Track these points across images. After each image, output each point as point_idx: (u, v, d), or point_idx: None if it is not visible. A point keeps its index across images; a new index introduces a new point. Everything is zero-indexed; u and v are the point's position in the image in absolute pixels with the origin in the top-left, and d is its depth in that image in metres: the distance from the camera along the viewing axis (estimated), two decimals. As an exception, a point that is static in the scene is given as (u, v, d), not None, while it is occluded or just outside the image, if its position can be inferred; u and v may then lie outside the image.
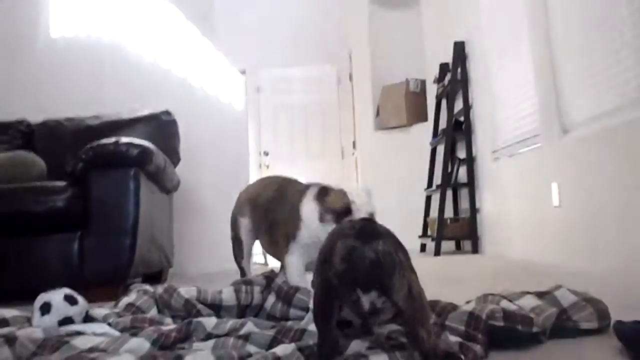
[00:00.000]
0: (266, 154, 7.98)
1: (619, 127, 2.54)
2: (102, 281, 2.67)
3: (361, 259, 1.08)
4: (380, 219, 4.89)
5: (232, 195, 4.61)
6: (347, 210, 1.89)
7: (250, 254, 2.41)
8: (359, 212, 1.88)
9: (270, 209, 2.19)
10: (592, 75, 2.87)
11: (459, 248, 5.37)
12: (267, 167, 7.92)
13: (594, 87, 2.87)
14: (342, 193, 1.94)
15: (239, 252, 2.37)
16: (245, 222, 2.31)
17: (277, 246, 2.17)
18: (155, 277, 3.48)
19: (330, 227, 1.89)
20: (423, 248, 5.55)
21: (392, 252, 1.12)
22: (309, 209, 2.01)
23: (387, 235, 1.16)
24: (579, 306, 1.41)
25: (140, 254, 2.82)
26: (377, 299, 1.10)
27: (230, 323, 1.37)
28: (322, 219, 1.94)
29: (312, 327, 1.26)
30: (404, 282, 1.10)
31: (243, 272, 2.40)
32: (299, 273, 2.05)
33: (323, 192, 1.98)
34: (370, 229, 1.14)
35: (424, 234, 5.59)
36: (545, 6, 3.36)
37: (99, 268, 2.69)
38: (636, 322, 1.23)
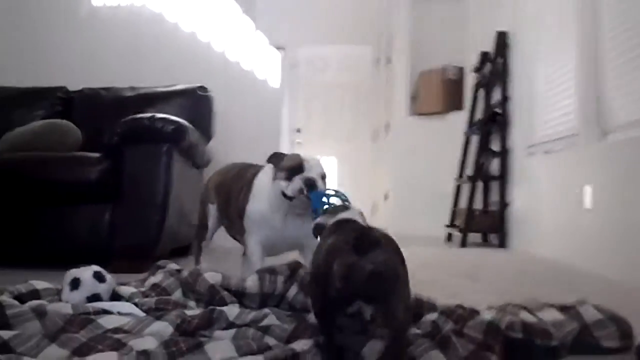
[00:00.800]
0: (299, 131, 8.00)
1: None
2: (130, 254, 2.72)
3: (361, 273, 1.05)
4: (408, 205, 4.94)
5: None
6: (299, 167, 1.96)
7: (210, 239, 2.49)
8: (310, 171, 1.95)
9: (230, 190, 2.25)
10: (638, 78, 2.79)
11: (485, 240, 5.33)
12: (299, 144, 7.94)
13: (639, 91, 2.79)
14: (296, 155, 2.02)
15: (201, 236, 2.47)
16: (212, 208, 2.39)
17: (233, 226, 2.24)
18: (182, 250, 3.54)
19: (281, 184, 1.97)
20: (449, 237, 5.53)
21: (393, 261, 1.09)
22: (263, 175, 2.09)
23: (386, 243, 1.12)
24: (602, 324, 1.39)
25: (169, 228, 2.87)
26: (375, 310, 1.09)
27: (252, 314, 1.39)
28: (274, 178, 2.01)
29: None
30: (405, 294, 1.09)
31: (200, 251, 2.51)
32: (254, 255, 2.10)
33: (278, 155, 2.06)
34: (367, 239, 1.10)
35: (451, 224, 5.56)
36: (594, 2, 3.27)
37: (128, 241, 2.74)
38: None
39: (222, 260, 3.05)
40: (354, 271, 1.05)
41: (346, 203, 1.76)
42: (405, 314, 1.09)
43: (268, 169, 2.12)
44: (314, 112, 8.04)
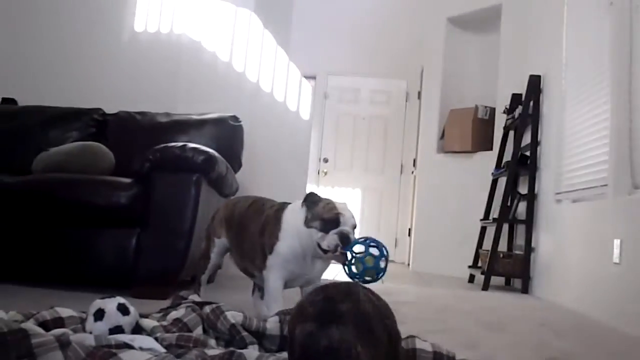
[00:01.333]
0: (325, 160, 8.04)
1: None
2: (154, 280, 2.75)
3: (316, 346, 1.05)
4: (432, 243, 4.93)
5: (288, 200, 4.71)
6: (335, 220, 2.00)
7: (211, 271, 2.52)
8: (345, 224, 2.00)
9: (244, 225, 2.27)
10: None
11: (508, 284, 5.26)
12: (325, 173, 7.98)
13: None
14: (332, 204, 2.05)
15: (203, 268, 2.48)
16: (218, 242, 2.41)
17: (252, 263, 2.24)
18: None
19: (315, 234, 2.01)
20: (471, 279, 5.46)
21: (350, 342, 1.05)
22: (292, 214, 2.11)
23: (349, 320, 1.07)
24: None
25: (193, 255, 2.89)
26: None
27: (271, 359, 1.39)
28: (307, 224, 2.04)
29: None
30: None
31: (199, 285, 2.50)
32: (277, 291, 2.13)
33: (312, 198, 2.08)
34: (329, 311, 1.08)
35: (474, 265, 5.50)
36: (631, 54, 3.25)
37: (152, 266, 2.77)
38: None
39: (226, 287, 3.05)
40: (311, 341, 1.05)
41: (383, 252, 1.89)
42: None
43: (296, 207, 2.14)
44: (342, 143, 8.08)
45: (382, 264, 1.92)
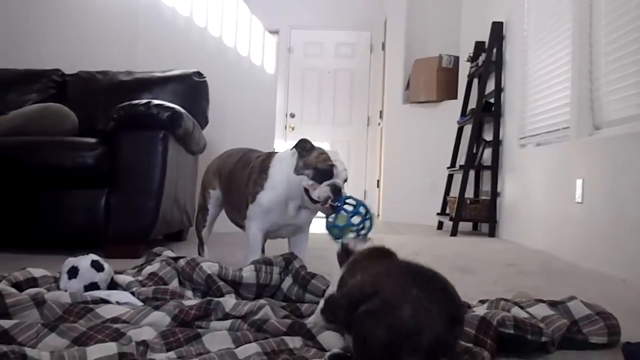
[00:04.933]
0: (292, 116, 8.00)
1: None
2: (125, 239, 2.74)
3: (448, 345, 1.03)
4: (401, 193, 4.96)
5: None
6: (329, 172, 1.97)
7: (212, 225, 2.50)
8: (338, 177, 1.98)
9: (233, 175, 2.26)
10: (632, 75, 2.81)
11: (475, 229, 5.39)
12: (292, 129, 7.95)
13: (632, 88, 2.81)
14: (326, 154, 2.01)
15: (203, 220, 2.47)
16: (213, 194, 2.41)
17: (239, 213, 2.23)
18: (176, 235, 3.56)
19: (305, 181, 1.99)
20: (440, 226, 5.58)
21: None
22: (280, 162, 2.08)
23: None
24: (590, 319, 1.43)
25: (164, 214, 2.88)
26: None
27: (248, 306, 1.41)
28: (298, 171, 2.01)
29: (319, 328, 1.29)
30: None
31: (201, 241, 2.50)
32: (255, 241, 2.12)
33: (305, 144, 2.03)
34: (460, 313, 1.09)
35: (443, 212, 5.61)
36: (590, -3, 3.28)
37: (123, 226, 2.76)
38: (644, 343, 1.25)
39: (221, 246, 3.06)
40: (441, 344, 1.00)
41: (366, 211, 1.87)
42: None
43: (285, 156, 2.10)
44: (308, 97, 8.03)
45: (356, 220, 1.89)
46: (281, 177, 2.06)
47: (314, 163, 1.99)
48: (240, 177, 2.21)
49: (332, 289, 1.33)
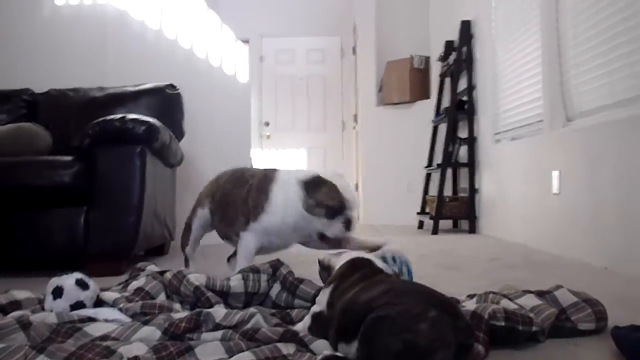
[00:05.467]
0: (267, 124, 7.98)
1: (626, 120, 2.55)
2: (107, 256, 2.70)
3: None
4: (380, 195, 4.97)
5: (234, 167, 4.64)
6: (341, 207, 1.92)
7: (196, 243, 2.46)
8: (351, 211, 1.92)
9: (227, 193, 2.22)
10: (601, 66, 2.87)
11: (456, 227, 5.43)
12: (268, 137, 7.93)
13: (601, 78, 2.87)
14: (335, 187, 1.93)
15: (186, 239, 2.42)
16: (201, 213, 2.36)
17: (231, 227, 2.19)
18: (157, 250, 3.52)
19: (317, 222, 1.93)
20: (420, 225, 5.61)
21: None
22: (284, 191, 2.01)
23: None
24: (578, 307, 1.45)
25: (144, 229, 2.85)
26: None
27: (238, 315, 1.40)
28: (309, 210, 1.94)
29: (311, 337, 1.29)
30: None
31: (186, 259, 2.46)
32: (250, 252, 2.09)
33: (313, 182, 1.96)
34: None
35: (422, 212, 5.64)
36: (556, -9, 3.34)
37: (104, 243, 2.72)
38: (632, 327, 1.27)
39: (206, 258, 3.04)
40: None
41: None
42: None
43: (286, 182, 2.02)
44: (282, 105, 8.03)
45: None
46: (284, 206, 2.00)
47: (324, 200, 1.92)
48: (237, 192, 2.16)
49: (321, 306, 1.32)
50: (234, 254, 2.43)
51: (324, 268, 1.46)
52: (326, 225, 1.93)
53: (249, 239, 2.10)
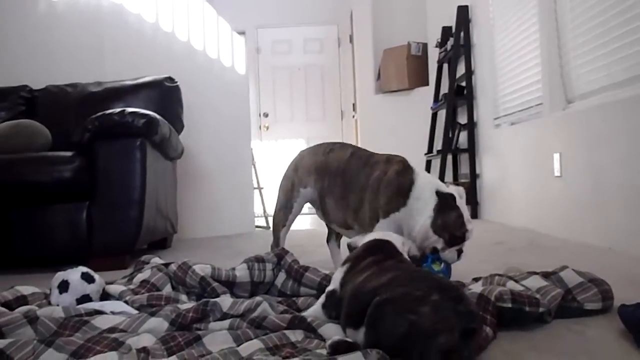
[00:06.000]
0: (266, 115, 7.97)
1: (626, 100, 2.55)
2: (110, 251, 2.71)
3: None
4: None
5: (234, 159, 4.64)
6: (462, 238, 1.87)
7: (290, 226, 2.31)
8: (467, 241, 1.89)
9: (348, 176, 2.09)
10: (600, 47, 2.86)
11: (458, 212, 5.42)
12: (267, 128, 7.92)
13: (600, 60, 2.86)
14: (462, 216, 1.87)
15: (284, 220, 2.28)
16: (304, 192, 2.22)
17: (354, 214, 2.06)
18: (160, 243, 3.52)
19: (437, 242, 1.85)
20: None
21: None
22: (423, 205, 1.90)
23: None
24: (583, 287, 1.45)
25: (147, 223, 2.85)
26: None
27: (245, 304, 1.41)
28: (436, 229, 1.86)
29: (319, 322, 1.29)
30: None
31: (278, 242, 2.31)
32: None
33: (448, 203, 1.88)
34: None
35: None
36: (553, -27, 3.32)
37: (106, 238, 2.72)
38: (638, 305, 1.27)
39: (189, 249, 3.05)
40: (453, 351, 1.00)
41: None
42: None
43: (425, 191, 1.91)
44: (280, 96, 8.01)
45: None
46: (418, 212, 1.91)
47: (452, 228, 1.85)
48: (363, 178, 2.05)
49: (334, 285, 1.34)
50: (334, 235, 2.37)
51: (352, 250, 1.47)
52: (444, 250, 1.87)
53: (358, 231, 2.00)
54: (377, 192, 2.00)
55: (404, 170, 2.00)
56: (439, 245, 1.86)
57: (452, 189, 1.93)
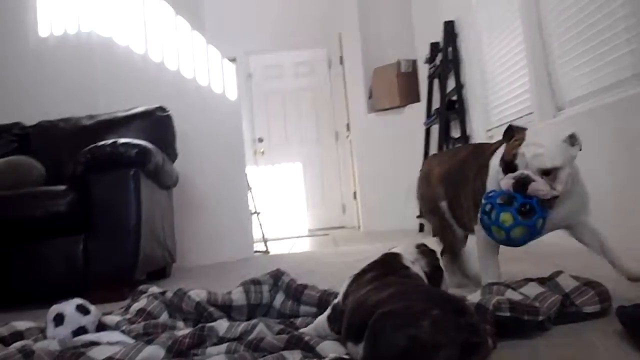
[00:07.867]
0: (260, 140, 8.00)
1: (614, 105, 2.56)
2: (108, 283, 2.69)
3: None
4: (379, 202, 4.95)
5: (230, 185, 4.64)
6: (511, 162, 1.59)
7: (465, 242, 2.04)
8: (525, 168, 1.59)
9: (464, 173, 1.89)
10: (585, 53, 2.88)
11: (457, 226, 5.41)
12: (262, 153, 7.94)
13: (587, 65, 2.88)
14: (521, 139, 1.62)
15: (451, 237, 2.03)
16: (443, 206, 1.99)
17: (468, 214, 1.85)
18: (159, 273, 3.51)
19: (498, 176, 1.63)
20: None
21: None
22: (495, 163, 1.70)
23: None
24: (580, 290, 1.45)
25: (144, 253, 2.84)
26: None
27: (241, 326, 1.40)
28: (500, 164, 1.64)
29: (317, 340, 1.29)
30: None
31: (454, 257, 2.05)
32: (487, 248, 1.81)
33: (510, 132, 1.68)
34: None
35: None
36: (534, -16, 3.36)
37: (104, 269, 2.71)
38: (636, 305, 1.27)
39: (206, 277, 3.03)
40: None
41: None
42: None
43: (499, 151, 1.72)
44: (274, 120, 8.05)
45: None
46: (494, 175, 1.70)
47: (505, 153, 1.63)
48: (471, 171, 1.84)
49: (339, 297, 1.35)
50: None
51: None
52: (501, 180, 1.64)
53: (480, 236, 1.79)
54: (475, 177, 1.80)
55: (497, 144, 1.80)
56: (500, 179, 1.63)
57: None
